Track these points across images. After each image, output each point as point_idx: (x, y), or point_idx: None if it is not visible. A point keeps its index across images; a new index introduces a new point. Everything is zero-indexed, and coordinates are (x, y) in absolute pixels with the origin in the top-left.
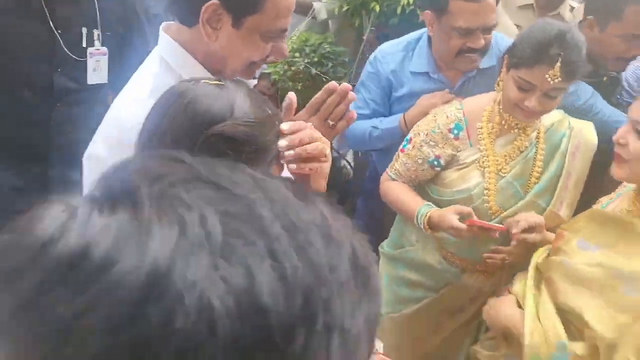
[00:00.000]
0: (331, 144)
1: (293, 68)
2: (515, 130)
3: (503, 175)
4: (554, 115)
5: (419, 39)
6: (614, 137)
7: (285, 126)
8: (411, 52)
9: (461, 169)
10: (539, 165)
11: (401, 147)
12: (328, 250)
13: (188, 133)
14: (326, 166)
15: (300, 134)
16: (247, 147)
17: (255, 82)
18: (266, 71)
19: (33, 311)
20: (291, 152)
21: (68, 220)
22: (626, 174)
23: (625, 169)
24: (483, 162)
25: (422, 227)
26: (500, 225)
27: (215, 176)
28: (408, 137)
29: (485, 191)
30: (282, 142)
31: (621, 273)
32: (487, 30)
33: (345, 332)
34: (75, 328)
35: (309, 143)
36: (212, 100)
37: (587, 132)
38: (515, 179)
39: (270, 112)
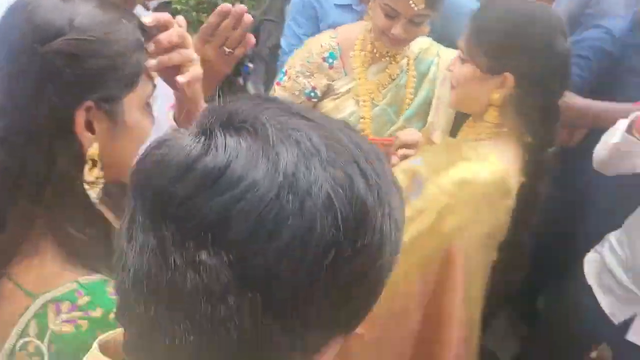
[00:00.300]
0: (245, 82)
1: None
2: (387, 58)
3: (377, 103)
4: (422, 43)
5: None
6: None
7: (147, 19)
8: None
9: (336, 98)
10: (410, 92)
11: (277, 80)
12: (382, 167)
13: (27, 49)
14: (198, 69)
15: (168, 33)
16: (91, 64)
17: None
18: (166, 0)
19: (188, 207)
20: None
21: (208, 141)
22: (454, 100)
23: (454, 95)
24: (357, 90)
25: None
26: (389, 138)
27: (300, 110)
28: (284, 69)
29: (361, 120)
30: (150, 46)
31: (415, 179)
32: None
33: (397, 222)
34: (226, 216)
35: (177, 43)
36: (50, 13)
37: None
38: (388, 106)
39: (127, 25)
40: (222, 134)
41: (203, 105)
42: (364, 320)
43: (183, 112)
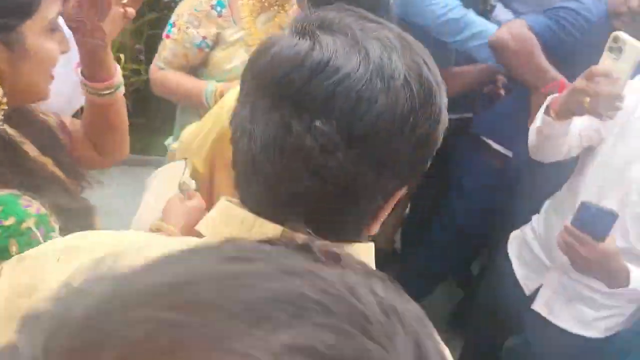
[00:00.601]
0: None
1: None
2: (275, 7)
3: None
4: None
5: None
6: None
7: None
8: None
9: (227, 48)
10: None
11: (165, 32)
12: (432, 60)
13: None
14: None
15: None
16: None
17: None
18: None
19: (303, 90)
20: None
21: (311, 40)
22: None
23: None
24: (247, 40)
25: (213, 104)
26: None
27: (371, 16)
28: (171, 21)
29: None
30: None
31: None
32: None
33: (446, 103)
34: (333, 95)
35: None
36: None
37: None
38: None
39: None
40: (321, 35)
41: (109, 52)
42: (419, 176)
43: (87, 61)
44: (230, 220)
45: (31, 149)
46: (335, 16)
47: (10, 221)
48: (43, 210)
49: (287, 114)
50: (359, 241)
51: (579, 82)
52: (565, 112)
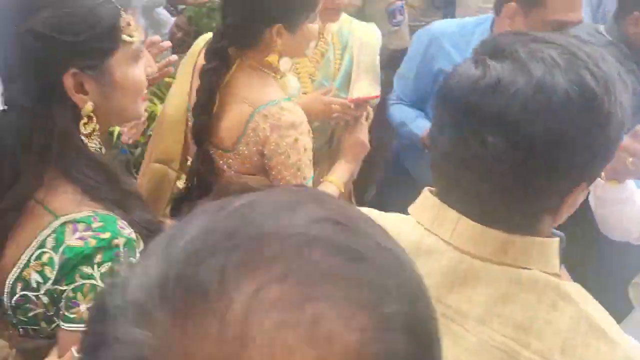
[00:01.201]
0: None
1: (208, 4)
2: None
3: (314, 78)
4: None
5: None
6: None
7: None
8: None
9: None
10: (337, 63)
11: None
12: (607, 65)
13: (6, 27)
14: None
15: None
16: (79, 47)
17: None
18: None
19: (477, 109)
20: None
21: (483, 68)
22: None
23: None
24: (296, 68)
25: None
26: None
27: (542, 36)
28: None
29: (303, 95)
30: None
31: None
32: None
33: (621, 104)
34: (501, 112)
35: None
36: None
37: (363, 34)
38: (324, 79)
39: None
40: (491, 62)
41: None
42: (596, 173)
43: None
44: (426, 204)
45: (118, 170)
46: (507, 41)
47: (105, 235)
48: (133, 236)
49: (465, 130)
50: (538, 235)
51: (625, 140)
52: (613, 173)
